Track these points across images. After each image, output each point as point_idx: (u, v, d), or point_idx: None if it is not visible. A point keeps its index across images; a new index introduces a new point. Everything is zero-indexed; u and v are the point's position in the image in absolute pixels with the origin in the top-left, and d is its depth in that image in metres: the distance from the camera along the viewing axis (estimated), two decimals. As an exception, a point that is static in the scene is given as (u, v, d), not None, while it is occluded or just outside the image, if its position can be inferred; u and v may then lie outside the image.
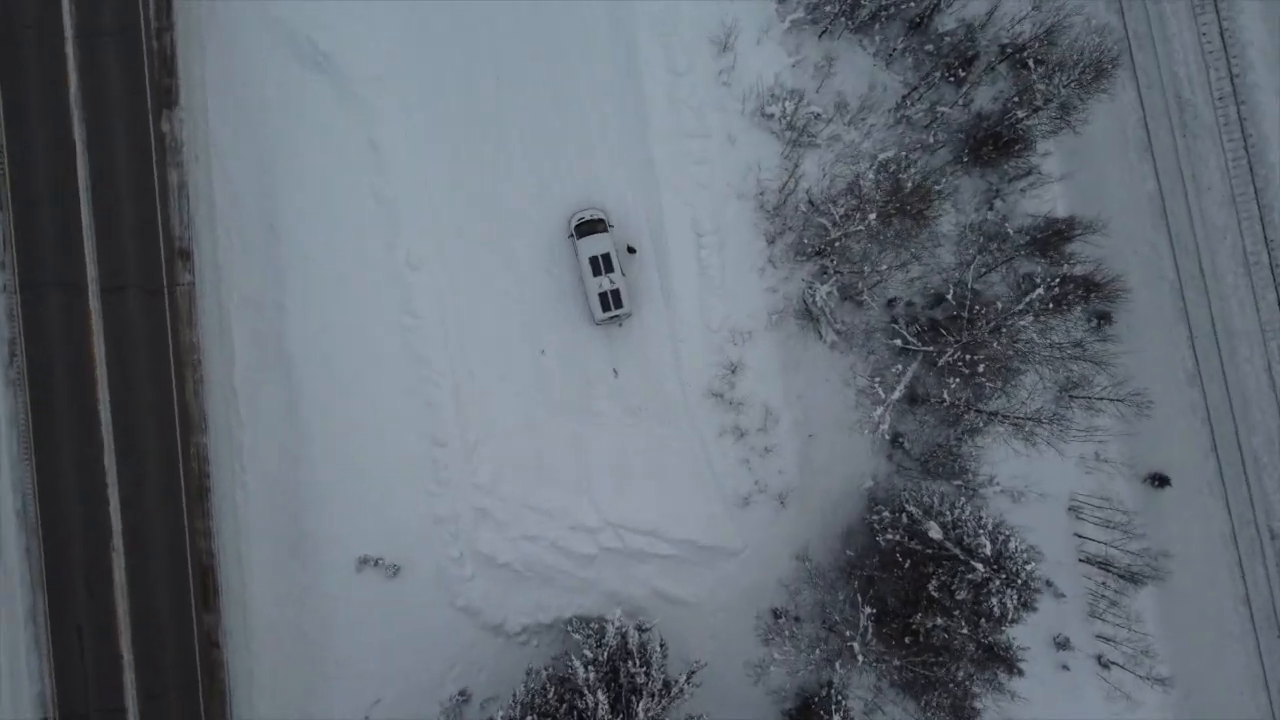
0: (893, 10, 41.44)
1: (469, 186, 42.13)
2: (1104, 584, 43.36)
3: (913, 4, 41.14)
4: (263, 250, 42.00)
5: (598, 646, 37.98)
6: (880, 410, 41.65)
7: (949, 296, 41.71)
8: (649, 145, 41.95)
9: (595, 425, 42.40)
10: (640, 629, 38.98)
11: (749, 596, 42.81)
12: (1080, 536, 43.95)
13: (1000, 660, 37.67)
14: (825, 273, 42.25)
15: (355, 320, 41.85)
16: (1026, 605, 36.19)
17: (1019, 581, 35.87)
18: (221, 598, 41.74)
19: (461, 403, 41.88)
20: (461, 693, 41.66)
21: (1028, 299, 39.97)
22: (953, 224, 43.05)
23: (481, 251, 42.26)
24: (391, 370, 41.85)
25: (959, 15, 42.37)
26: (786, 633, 41.82)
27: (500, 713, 37.16)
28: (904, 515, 38.82)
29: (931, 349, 40.77)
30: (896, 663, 38.61)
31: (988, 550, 35.96)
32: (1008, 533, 37.41)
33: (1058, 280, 40.38)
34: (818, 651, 41.10)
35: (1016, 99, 40.86)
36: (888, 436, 42.89)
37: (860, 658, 38.67)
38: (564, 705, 36.40)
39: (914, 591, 37.92)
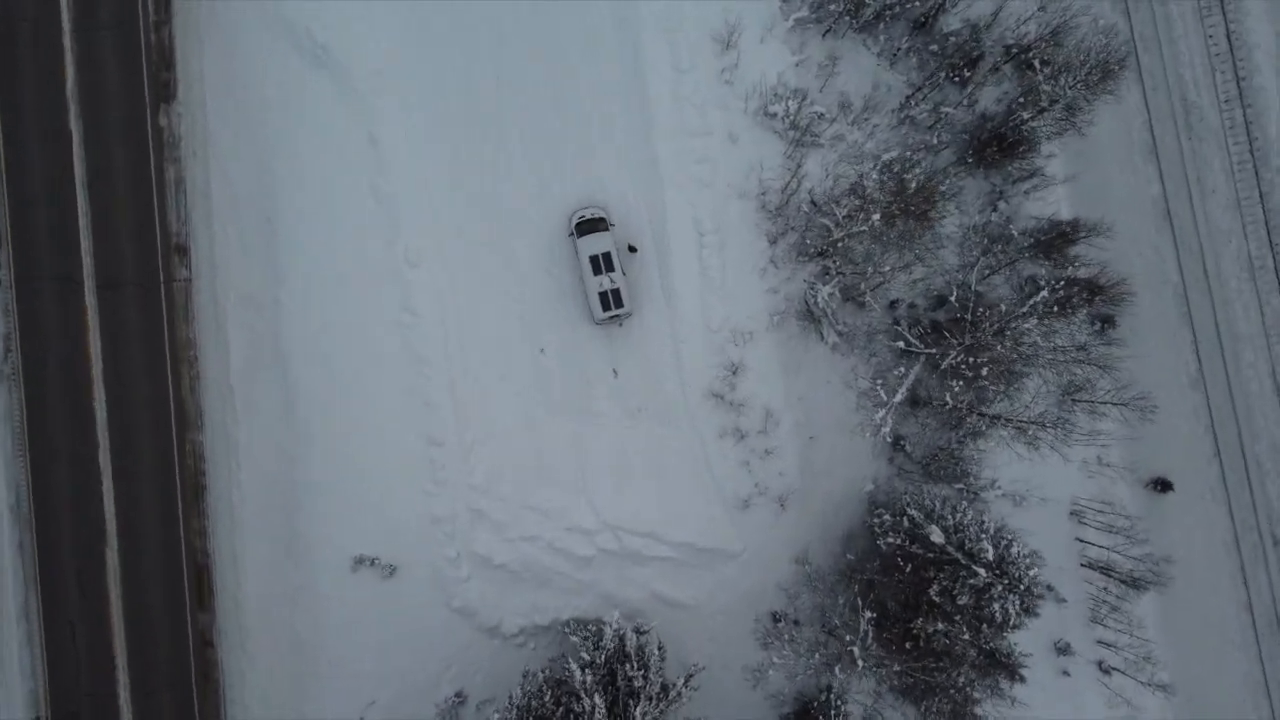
0: (897, 10, 41.27)
1: (469, 186, 41.97)
2: (1105, 589, 43.16)
3: (917, 4, 40.95)
4: (260, 246, 41.78)
5: (595, 649, 37.75)
6: (882, 413, 41.40)
7: (952, 298, 41.46)
8: (653, 144, 41.75)
9: (594, 426, 42.18)
10: (638, 631, 38.76)
11: (748, 599, 42.58)
12: (1082, 541, 43.72)
13: (1002, 666, 37.42)
14: (827, 274, 42.02)
15: (353, 318, 41.65)
16: (1029, 611, 35.99)
17: (1021, 587, 35.65)
18: (216, 597, 41.48)
19: (460, 402, 41.65)
20: (457, 694, 41.42)
21: (1031, 302, 39.74)
22: (956, 225, 42.85)
23: (481, 251, 42.07)
24: (390, 369, 41.63)
25: (964, 15, 42.22)
26: (786, 636, 41.57)
27: (496, 715, 37.00)
28: (905, 519, 38.60)
29: (934, 351, 40.53)
30: (897, 668, 38.38)
31: (990, 555, 35.76)
32: (1010, 537, 37.21)
33: (1062, 283, 40.21)
34: (817, 656, 40.85)
35: (1021, 100, 40.65)
36: (889, 439, 42.61)
37: (860, 662, 38.46)
38: (561, 708, 36.18)
39: (915, 596, 37.69)
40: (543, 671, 38.52)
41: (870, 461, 43.34)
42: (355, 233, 41.69)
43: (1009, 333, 39.06)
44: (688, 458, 42.37)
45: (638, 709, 35.31)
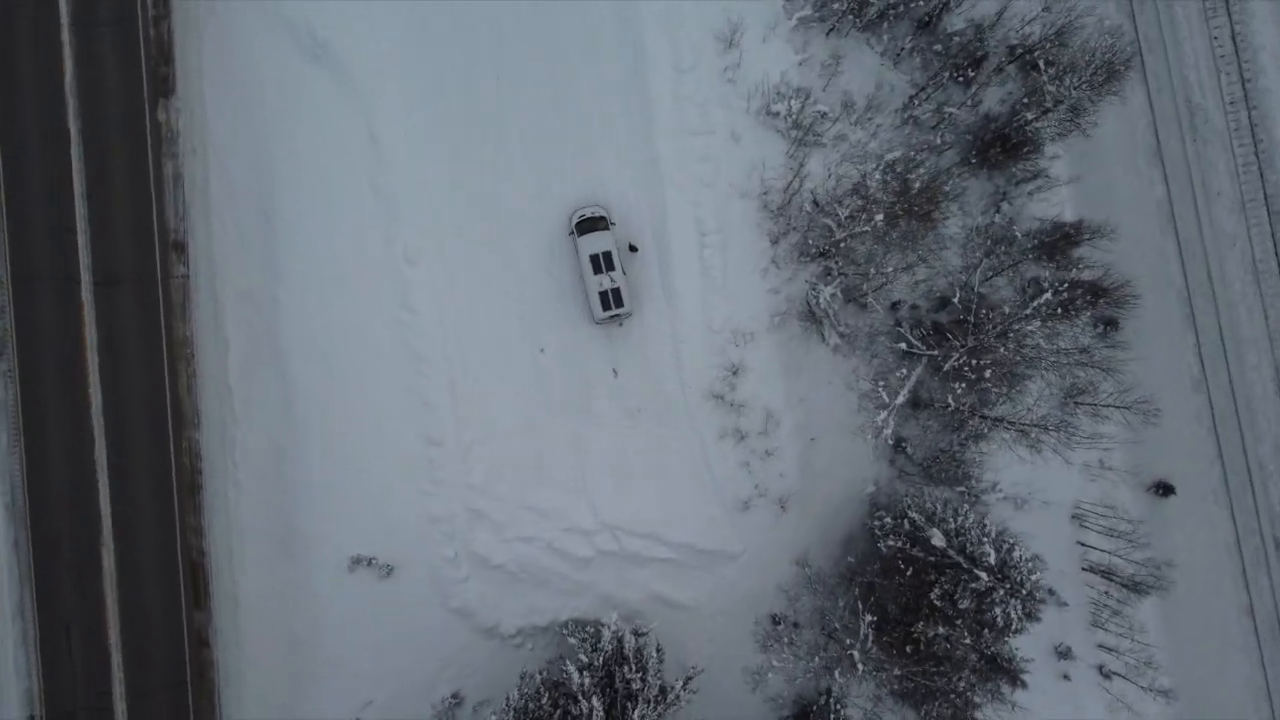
0: (901, 9, 41.10)
1: (469, 185, 41.81)
2: (1107, 593, 43.00)
3: (921, 3, 40.82)
4: (259, 243, 41.55)
5: (593, 651, 37.56)
6: (883, 414, 41.23)
7: (955, 300, 41.26)
8: (654, 143, 41.58)
9: (594, 426, 41.99)
10: (637, 633, 38.55)
11: (748, 602, 42.40)
12: (1083, 545, 43.56)
13: (1003, 671, 37.23)
14: (829, 274, 41.81)
15: (352, 317, 41.45)
16: (1030, 615, 35.79)
17: (1023, 591, 35.42)
18: (212, 595, 41.23)
19: (459, 401, 41.46)
20: (454, 695, 41.25)
21: (1035, 304, 39.51)
22: (959, 227, 42.69)
23: (481, 251, 41.90)
24: (389, 368, 41.44)
25: (968, 15, 42.08)
26: (785, 639, 41.38)
27: (493, 717, 36.97)
28: (906, 521, 38.42)
29: (936, 353, 40.34)
30: (897, 672, 38.18)
31: (992, 559, 35.54)
32: (1011, 541, 37.01)
33: (1065, 285, 40.00)
34: (817, 659, 40.68)
35: (1025, 100, 40.47)
36: (890, 441, 42.40)
37: (860, 666, 38.27)
38: (558, 710, 36.00)
39: (915, 599, 37.47)
40: (540, 673, 38.37)
41: (871, 463, 43.14)
42: (354, 231, 41.51)
43: (1012, 335, 38.87)
44: (688, 458, 42.18)
45: (636, 711, 35.13)
